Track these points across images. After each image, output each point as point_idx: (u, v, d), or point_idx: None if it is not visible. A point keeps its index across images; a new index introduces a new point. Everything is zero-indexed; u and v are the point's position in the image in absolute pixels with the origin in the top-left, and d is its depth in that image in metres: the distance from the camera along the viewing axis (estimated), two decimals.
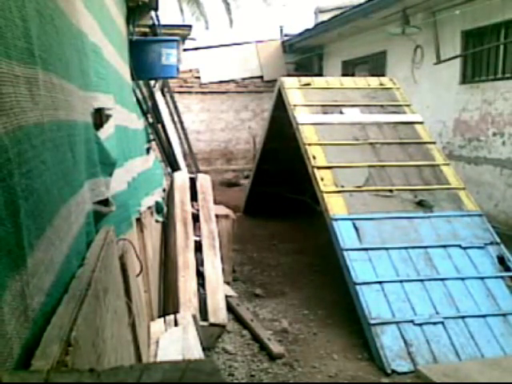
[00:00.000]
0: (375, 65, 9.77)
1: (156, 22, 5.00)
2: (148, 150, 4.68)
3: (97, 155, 1.79)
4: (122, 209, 2.20)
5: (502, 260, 4.12)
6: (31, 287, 0.89)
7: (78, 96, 1.58)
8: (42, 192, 1.01)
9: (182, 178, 5.15)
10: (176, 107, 7.60)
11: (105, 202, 1.82)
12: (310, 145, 4.94)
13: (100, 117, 2.14)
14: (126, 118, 3.07)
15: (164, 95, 7.03)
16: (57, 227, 1.11)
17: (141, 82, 5.07)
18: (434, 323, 3.61)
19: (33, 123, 0.99)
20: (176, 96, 8.14)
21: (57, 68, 1.26)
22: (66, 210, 1.22)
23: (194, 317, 3.46)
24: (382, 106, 5.62)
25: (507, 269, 4.06)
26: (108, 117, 2.23)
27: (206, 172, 6.60)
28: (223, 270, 4.33)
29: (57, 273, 1.09)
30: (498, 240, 4.29)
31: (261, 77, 12.08)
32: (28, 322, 0.88)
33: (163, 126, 5.85)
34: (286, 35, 12.31)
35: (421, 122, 5.45)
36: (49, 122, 1.12)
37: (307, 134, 5.06)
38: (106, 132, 2.07)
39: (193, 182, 5.12)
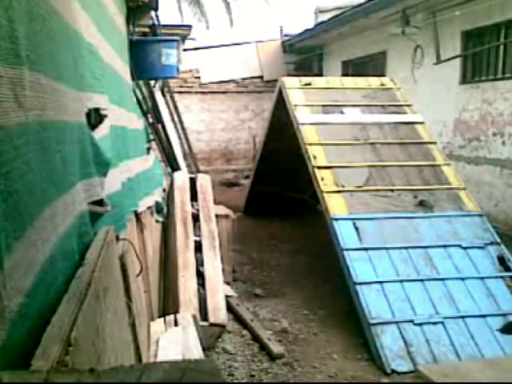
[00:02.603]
0: (375, 65, 9.77)
1: (156, 22, 5.00)
2: (148, 150, 4.68)
3: (91, 155, 1.78)
4: (115, 209, 2.19)
5: (502, 260, 4.12)
6: (8, 289, 0.88)
7: (71, 96, 1.57)
8: (23, 193, 1.00)
9: (182, 178, 5.15)
10: (176, 107, 7.60)
11: (100, 202, 1.81)
12: (310, 145, 4.94)
13: (95, 117, 2.14)
14: (122, 118, 3.06)
15: (164, 95, 7.03)
16: (39, 228, 1.09)
17: (141, 82, 5.07)
18: (434, 323, 3.61)
19: (15, 124, 0.98)
20: (176, 96, 8.14)
21: (46, 68, 1.25)
22: (50, 211, 1.20)
23: (194, 317, 3.46)
24: (382, 106, 5.62)
25: (507, 269, 4.06)
26: (103, 117, 2.22)
27: (206, 172, 6.60)
28: (223, 269, 4.33)
29: (38, 274, 1.08)
30: (499, 240, 4.29)
31: (261, 77, 12.09)
32: (5, 323, 0.87)
33: (163, 126, 5.85)
34: (286, 35, 12.32)
35: (421, 122, 5.45)
36: (34, 122, 1.11)
37: (308, 134, 5.06)
38: (100, 132, 2.06)
39: (193, 181, 5.11)
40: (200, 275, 4.04)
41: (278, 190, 7.11)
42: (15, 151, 0.97)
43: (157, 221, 4.22)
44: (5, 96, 0.93)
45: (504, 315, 3.70)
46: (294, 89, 5.68)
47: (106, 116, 2.22)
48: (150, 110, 5.36)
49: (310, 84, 5.81)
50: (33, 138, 1.10)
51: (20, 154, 1.00)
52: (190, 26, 7.40)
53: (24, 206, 1.01)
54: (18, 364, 0.88)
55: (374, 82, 6.05)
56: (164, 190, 4.99)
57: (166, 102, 7.11)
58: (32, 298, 1.02)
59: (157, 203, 4.08)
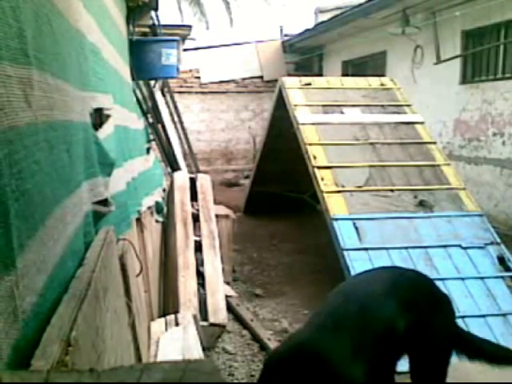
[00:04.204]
0: (375, 65, 9.77)
1: (156, 22, 5.00)
2: (148, 150, 4.68)
3: (95, 155, 1.79)
4: (120, 209, 2.20)
5: (502, 260, 4.12)
6: (21, 288, 0.88)
7: (76, 96, 1.57)
8: (34, 192, 1.00)
9: (182, 178, 5.15)
10: (176, 107, 7.59)
11: (104, 202, 1.81)
12: (310, 145, 4.94)
13: (99, 117, 2.14)
14: (125, 118, 3.07)
15: (164, 95, 7.02)
16: (50, 227, 1.10)
17: (141, 82, 5.07)
18: None
19: (25, 124, 0.98)
20: (176, 96, 8.13)
21: (53, 68, 1.26)
22: (60, 211, 1.21)
23: (195, 317, 3.46)
24: (382, 106, 5.62)
25: (507, 269, 4.06)
26: (107, 117, 2.23)
27: (206, 172, 6.59)
28: (223, 269, 4.33)
29: (50, 273, 1.08)
30: (499, 240, 4.28)
31: (261, 77, 12.08)
32: (18, 322, 0.87)
33: (163, 126, 5.85)
34: (286, 35, 12.32)
35: (421, 122, 5.44)
36: (43, 122, 1.11)
37: (308, 134, 5.06)
38: (104, 132, 2.06)
39: (193, 181, 5.11)
40: (200, 275, 4.04)
41: (277, 190, 7.10)
42: (25, 151, 0.98)
43: (157, 221, 4.22)
44: (15, 96, 0.94)
45: (504, 315, 3.70)
46: (294, 89, 5.68)
47: (109, 116, 2.23)
48: (149, 110, 5.36)
49: (310, 84, 5.81)
50: (42, 137, 1.10)
51: (30, 154, 1.00)
52: (189, 26, 7.37)
53: (35, 206, 1.02)
54: (29, 364, 0.88)
55: (374, 81, 6.05)
56: (164, 190, 4.99)
57: (166, 102, 7.10)
58: (44, 298, 1.02)
59: (157, 203, 4.08)
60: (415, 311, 1.79)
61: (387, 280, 1.92)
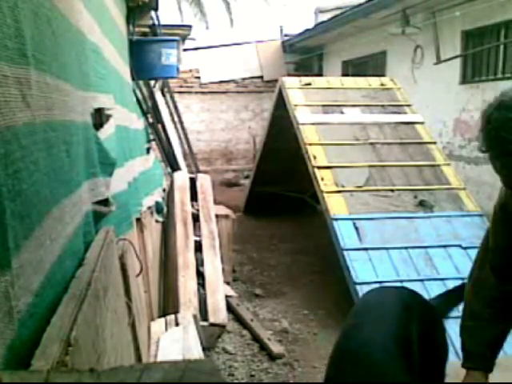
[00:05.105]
0: (375, 65, 9.77)
1: (156, 22, 5.00)
2: (148, 150, 4.68)
3: (96, 155, 1.79)
4: (122, 209, 2.20)
5: None
6: (17, 288, 0.88)
7: (76, 96, 1.57)
8: (31, 192, 1.00)
9: (182, 177, 5.15)
10: (176, 107, 7.59)
11: (105, 202, 1.81)
12: (310, 144, 4.94)
13: (100, 117, 2.14)
14: (126, 118, 3.07)
15: (164, 95, 7.02)
16: (48, 228, 1.10)
17: (141, 82, 5.07)
18: None
19: (22, 123, 0.98)
20: (176, 96, 8.12)
21: (52, 68, 1.25)
22: (58, 211, 1.20)
23: (195, 317, 3.46)
24: (382, 106, 5.62)
25: None
26: (108, 117, 2.23)
27: (206, 172, 6.59)
28: (223, 269, 4.33)
29: (47, 274, 1.07)
30: None
31: (261, 77, 12.09)
32: (13, 323, 0.87)
33: (163, 126, 5.85)
34: (286, 35, 12.32)
35: (421, 122, 5.45)
36: (41, 122, 1.11)
37: (308, 134, 5.06)
38: (106, 132, 2.06)
39: (193, 181, 5.12)
40: (200, 275, 4.04)
41: (278, 190, 7.10)
42: (23, 151, 0.97)
43: (157, 221, 4.22)
44: (12, 96, 0.93)
45: None
46: (294, 89, 5.68)
47: (110, 116, 2.23)
48: (149, 110, 5.36)
49: (310, 84, 5.81)
50: (40, 137, 1.10)
51: (27, 154, 1.00)
52: (190, 26, 7.36)
53: (32, 206, 1.01)
54: (27, 364, 0.88)
55: (374, 81, 6.05)
56: (164, 190, 4.99)
57: (166, 102, 7.10)
58: (41, 298, 1.02)
59: (157, 203, 4.08)
60: (422, 325, 1.81)
61: (398, 302, 1.91)
